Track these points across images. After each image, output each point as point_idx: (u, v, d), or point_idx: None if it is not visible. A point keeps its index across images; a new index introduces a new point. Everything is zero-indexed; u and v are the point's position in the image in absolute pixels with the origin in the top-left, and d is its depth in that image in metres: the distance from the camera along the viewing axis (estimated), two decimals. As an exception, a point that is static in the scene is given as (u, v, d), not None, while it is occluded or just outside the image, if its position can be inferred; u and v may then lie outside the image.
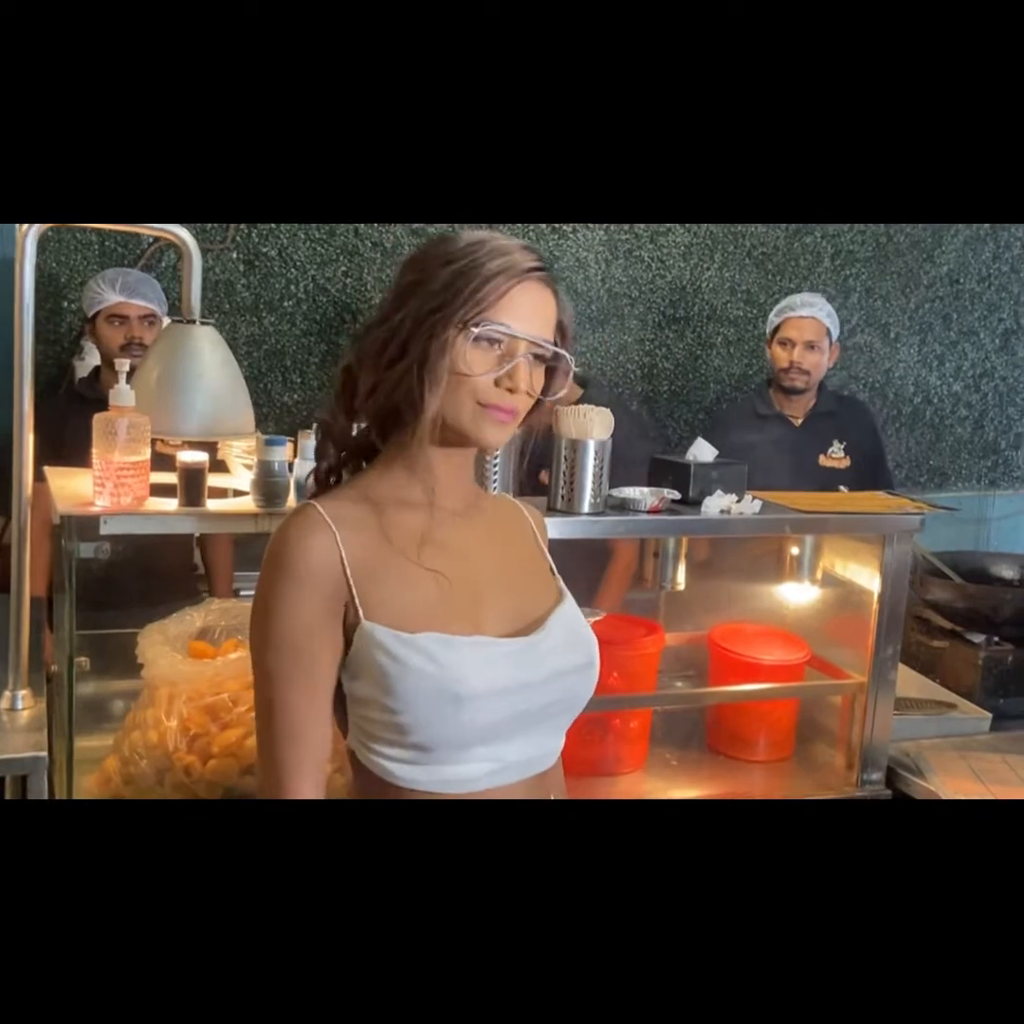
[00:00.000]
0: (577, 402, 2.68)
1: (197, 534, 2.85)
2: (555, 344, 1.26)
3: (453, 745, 1.22)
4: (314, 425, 1.43)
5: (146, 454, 1.86)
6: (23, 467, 1.94)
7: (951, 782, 2.30)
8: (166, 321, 2.95)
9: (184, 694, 1.96)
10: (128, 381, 1.86)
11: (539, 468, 2.32)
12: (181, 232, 2.00)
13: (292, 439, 1.99)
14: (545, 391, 1.29)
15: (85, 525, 1.79)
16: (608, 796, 2.30)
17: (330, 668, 1.22)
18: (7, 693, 2.02)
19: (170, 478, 1.94)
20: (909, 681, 2.66)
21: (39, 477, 2.04)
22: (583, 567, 2.48)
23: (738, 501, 2.20)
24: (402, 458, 1.28)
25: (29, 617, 2.02)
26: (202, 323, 1.98)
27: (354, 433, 1.33)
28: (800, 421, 3.33)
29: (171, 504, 1.90)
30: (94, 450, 1.84)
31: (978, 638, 2.75)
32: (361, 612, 1.21)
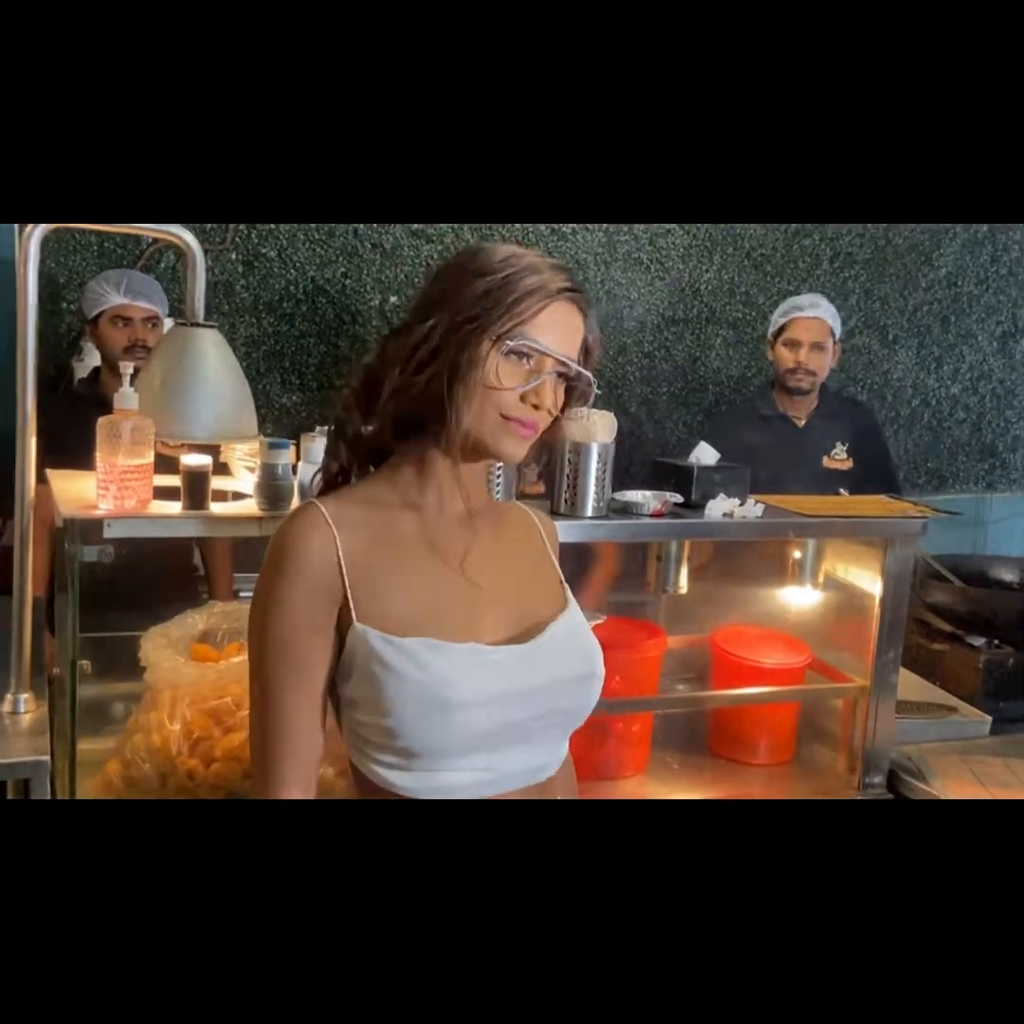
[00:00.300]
0: None
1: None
2: (580, 364, 1.27)
3: (442, 752, 1.22)
4: (327, 425, 1.43)
5: (150, 457, 1.85)
6: (26, 469, 1.93)
7: (953, 786, 2.30)
8: (167, 323, 2.94)
9: (187, 697, 1.96)
10: (132, 384, 1.86)
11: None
12: (184, 234, 1.99)
13: (295, 442, 1.99)
14: (562, 408, 1.30)
15: (89, 528, 1.79)
16: (609, 799, 2.30)
17: (322, 668, 1.23)
18: (9, 696, 2.02)
19: (170, 480, 1.94)
20: (909, 684, 2.66)
21: (40, 479, 2.04)
22: (579, 570, 2.49)
23: (741, 505, 2.20)
24: (414, 462, 1.30)
25: (31, 619, 2.01)
26: (206, 326, 1.97)
27: (365, 434, 1.34)
28: (803, 422, 3.33)
29: (174, 507, 1.89)
30: (98, 453, 1.83)
31: (978, 641, 2.76)
32: (354, 614, 1.21)
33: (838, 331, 3.32)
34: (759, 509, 2.20)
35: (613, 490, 2.15)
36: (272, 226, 3.45)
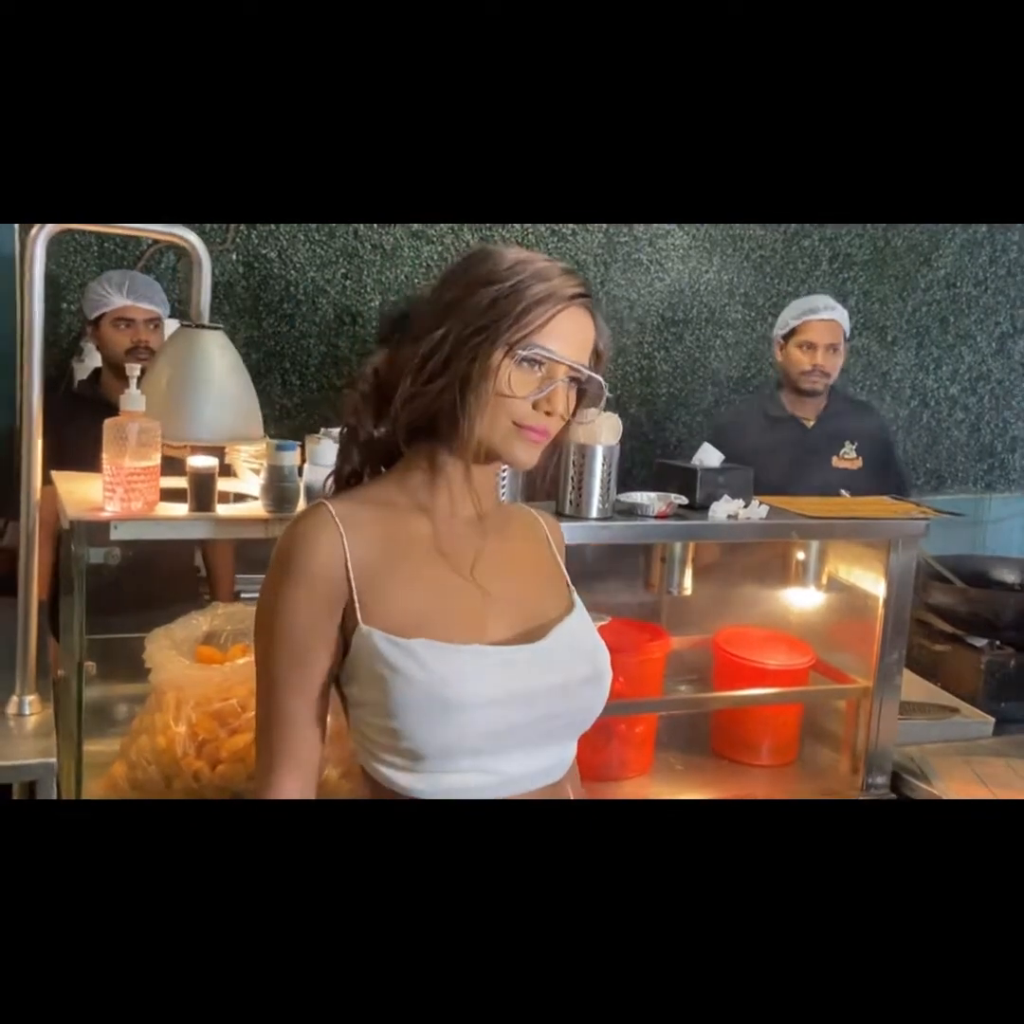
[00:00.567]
0: None
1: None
2: (591, 368, 1.28)
3: (447, 753, 1.22)
4: (338, 428, 1.43)
5: (156, 459, 1.85)
6: (31, 471, 1.93)
7: (956, 786, 2.30)
8: (169, 324, 2.94)
9: (192, 699, 1.96)
10: (137, 385, 1.86)
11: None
12: (189, 236, 1.99)
13: (300, 443, 1.99)
14: (573, 412, 1.30)
15: (95, 530, 1.78)
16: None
17: (324, 668, 1.23)
18: (14, 698, 2.01)
19: (173, 482, 1.94)
20: (911, 685, 2.67)
21: (43, 480, 2.03)
22: (583, 572, 2.49)
23: (745, 506, 2.20)
24: (425, 465, 1.30)
25: (36, 621, 2.01)
26: (211, 327, 1.97)
27: (376, 437, 1.34)
28: (812, 423, 3.32)
29: (181, 509, 1.89)
30: (104, 455, 1.83)
31: (980, 642, 2.76)
32: (360, 616, 1.22)
33: (848, 332, 3.33)
34: (763, 511, 2.21)
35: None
36: (272, 227, 3.45)
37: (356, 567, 1.22)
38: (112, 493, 1.83)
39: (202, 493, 1.87)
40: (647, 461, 3.69)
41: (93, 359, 3.10)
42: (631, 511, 2.16)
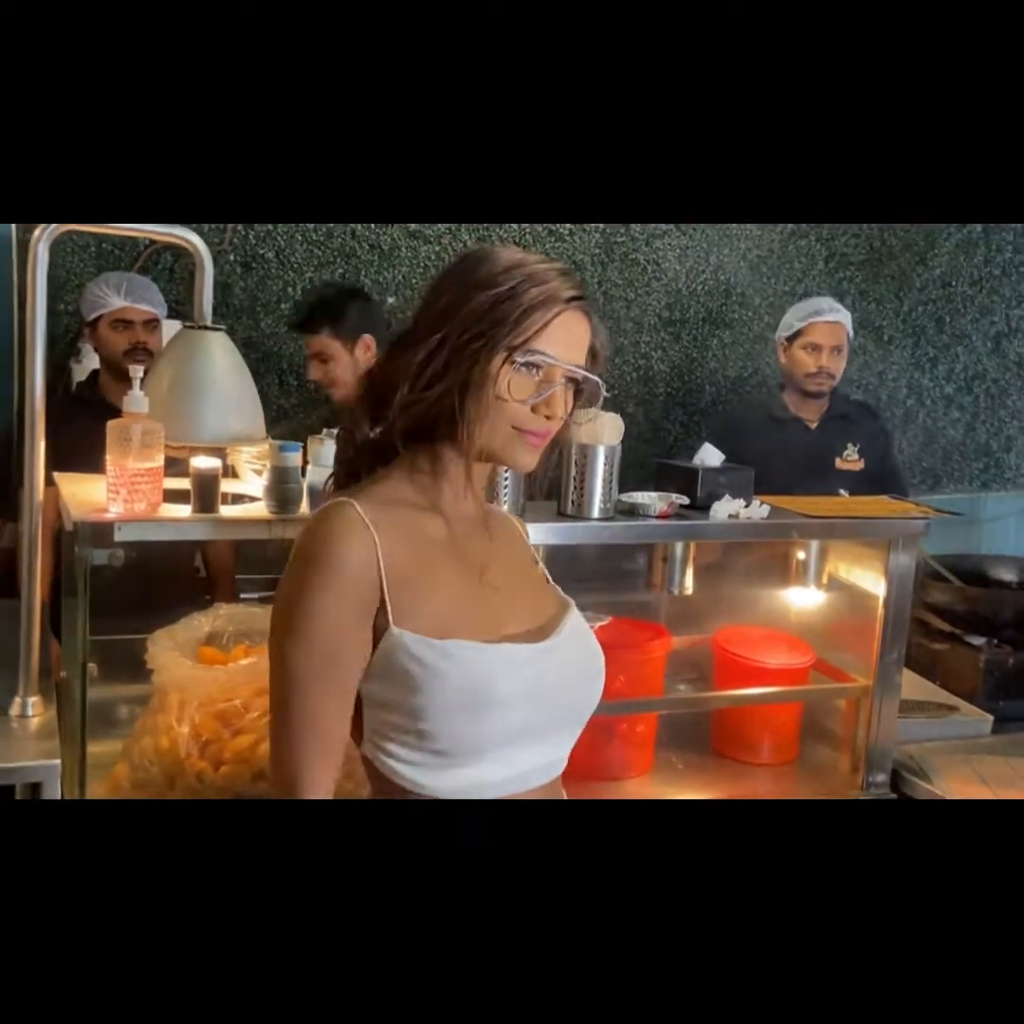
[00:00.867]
0: None
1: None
2: (587, 368, 1.28)
3: (470, 751, 1.23)
4: (336, 430, 1.43)
5: (160, 461, 1.85)
6: (34, 472, 1.93)
7: (956, 785, 2.31)
8: (166, 325, 2.94)
9: (195, 700, 1.95)
10: (140, 387, 1.86)
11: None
12: (192, 237, 1.99)
13: (303, 444, 1.99)
14: (570, 411, 1.31)
15: (99, 532, 1.78)
16: (614, 800, 2.31)
17: (357, 670, 1.22)
18: (17, 700, 2.01)
19: (174, 483, 1.94)
20: (910, 684, 2.67)
21: (45, 482, 2.03)
22: (583, 571, 2.50)
23: (746, 506, 2.21)
24: (427, 466, 1.30)
25: (39, 623, 2.01)
26: (213, 329, 1.97)
27: (373, 438, 1.34)
28: (816, 424, 3.34)
29: (184, 510, 1.89)
30: (108, 456, 1.83)
31: (978, 641, 2.77)
32: (391, 617, 1.21)
33: (852, 334, 3.35)
34: (764, 510, 2.21)
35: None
36: (270, 227, 3.45)
37: (387, 568, 1.21)
38: (115, 494, 1.83)
39: (205, 494, 1.87)
40: (643, 461, 3.69)
41: (91, 360, 3.10)
42: (632, 511, 2.16)
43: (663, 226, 3.85)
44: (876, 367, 4.22)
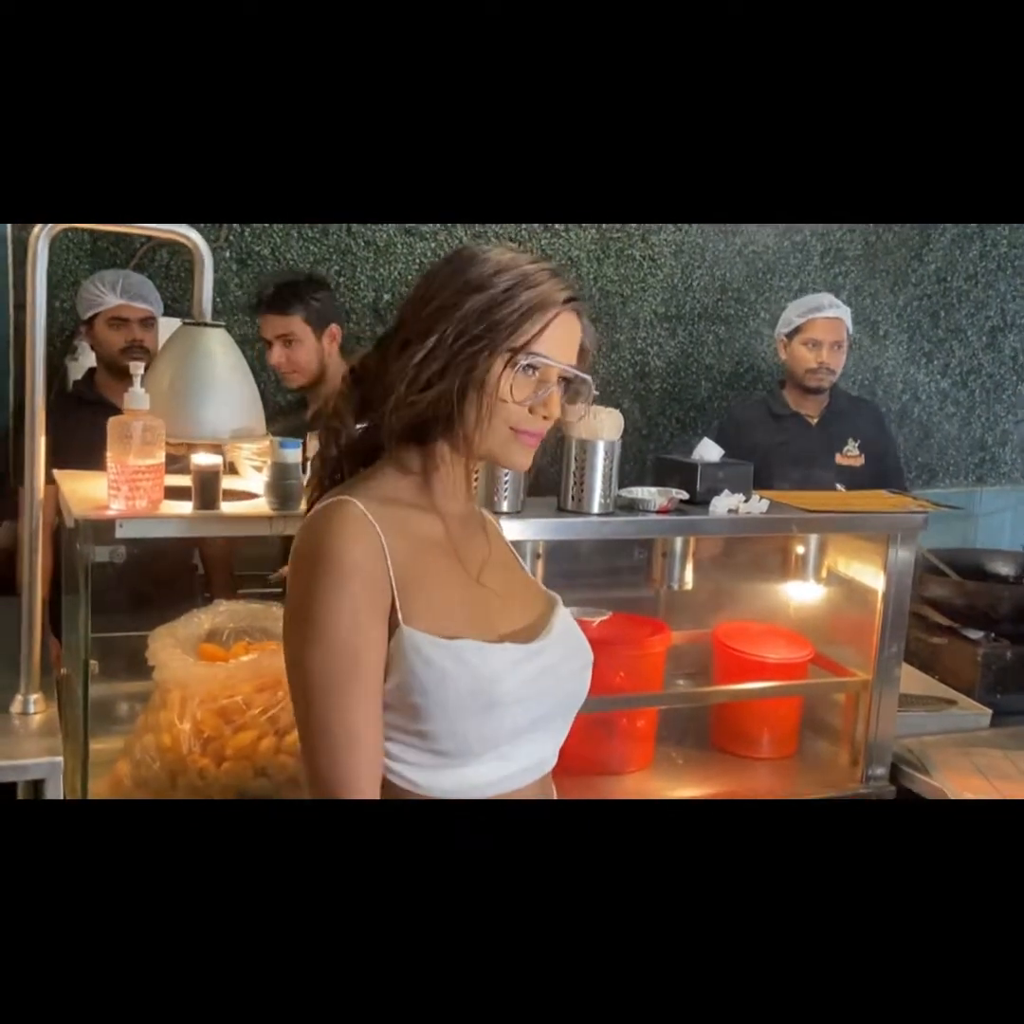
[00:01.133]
0: None
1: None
2: (577, 366, 1.29)
3: (473, 750, 1.23)
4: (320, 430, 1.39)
5: (161, 457, 1.85)
6: (35, 470, 1.93)
7: (956, 778, 2.32)
8: (163, 322, 2.94)
9: (197, 697, 1.96)
10: (141, 384, 1.86)
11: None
12: (192, 234, 1.99)
13: (302, 441, 1.99)
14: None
15: (101, 529, 1.78)
16: (615, 795, 2.31)
17: (380, 670, 1.19)
18: (18, 697, 2.01)
19: (173, 480, 1.94)
20: (908, 678, 2.67)
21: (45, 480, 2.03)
22: (582, 567, 2.50)
23: (745, 501, 2.21)
24: (414, 465, 1.30)
25: (40, 621, 2.01)
26: (213, 325, 1.97)
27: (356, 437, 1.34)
28: (816, 421, 3.35)
29: (185, 507, 1.89)
30: (109, 453, 1.83)
31: (976, 635, 2.77)
32: (401, 616, 1.20)
33: (851, 329, 3.35)
34: (764, 505, 2.22)
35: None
36: (266, 224, 3.44)
37: (395, 566, 1.20)
38: (117, 491, 1.82)
39: (207, 491, 1.88)
40: (639, 456, 3.70)
41: (87, 358, 3.09)
42: (632, 506, 2.17)
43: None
44: (871, 362, 4.23)
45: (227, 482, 2.02)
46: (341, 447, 1.32)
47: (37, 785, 1.85)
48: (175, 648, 1.98)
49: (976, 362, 4.41)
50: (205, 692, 1.96)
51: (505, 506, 2.03)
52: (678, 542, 2.29)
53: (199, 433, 1.90)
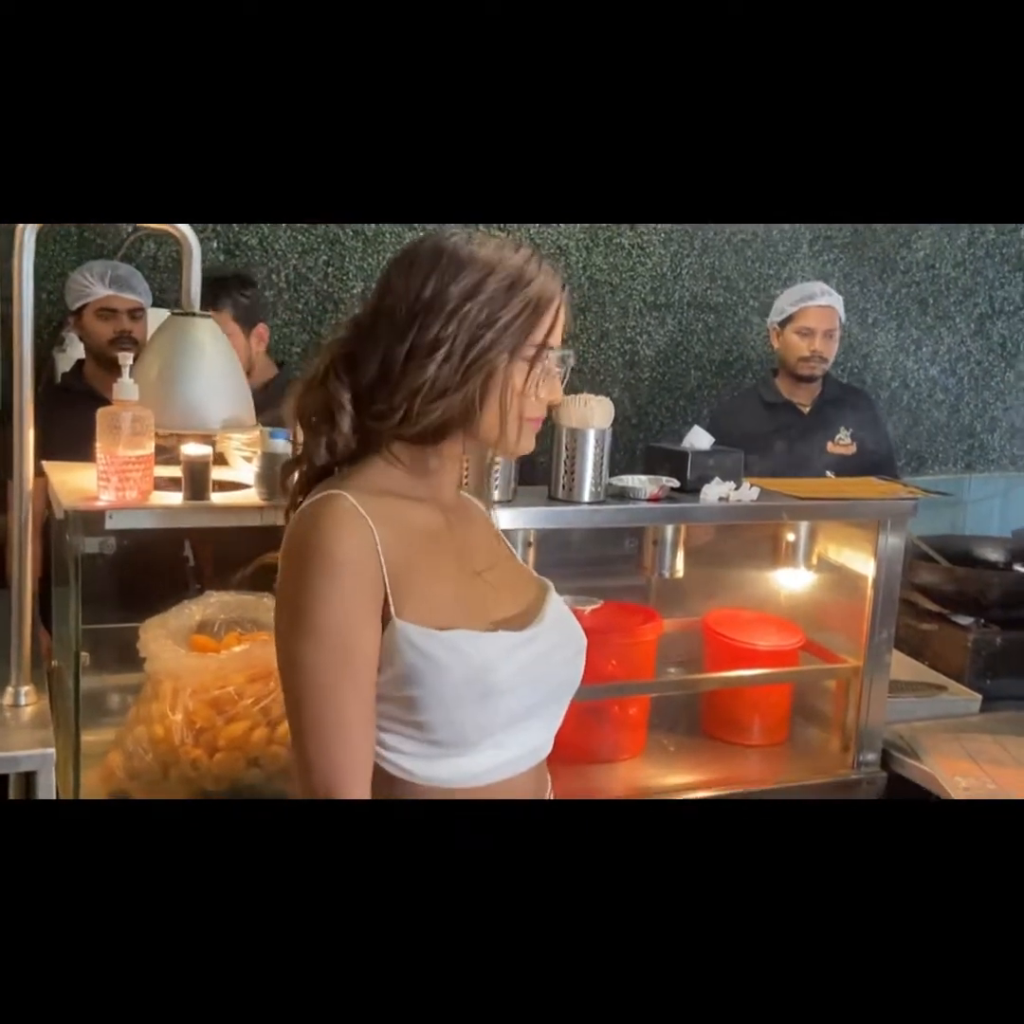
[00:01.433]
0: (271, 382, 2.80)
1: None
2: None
3: (469, 739, 1.23)
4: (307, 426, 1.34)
5: (150, 448, 1.85)
6: (24, 461, 1.92)
7: (945, 762, 2.33)
8: (151, 313, 2.93)
9: (189, 688, 1.96)
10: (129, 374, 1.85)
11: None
12: (180, 224, 1.98)
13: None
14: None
15: (90, 520, 1.78)
16: (607, 783, 2.32)
17: (373, 663, 1.20)
18: (9, 689, 2.01)
19: (163, 471, 1.94)
20: (899, 664, 2.68)
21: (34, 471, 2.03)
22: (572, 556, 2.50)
23: (736, 488, 2.21)
24: (404, 457, 1.29)
25: (30, 613, 2.01)
26: (202, 315, 1.97)
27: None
28: (808, 409, 3.35)
29: (175, 498, 1.89)
30: (98, 444, 1.83)
31: (966, 621, 2.78)
32: (393, 608, 1.20)
33: (844, 318, 3.36)
34: (754, 493, 2.22)
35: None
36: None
37: (386, 559, 1.20)
38: (106, 482, 1.82)
39: (197, 481, 1.87)
40: (629, 445, 3.70)
41: (75, 350, 3.08)
42: (623, 494, 2.17)
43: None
44: (860, 350, 4.23)
45: (216, 473, 2.02)
46: (334, 451, 1.28)
47: (29, 777, 1.85)
48: (166, 639, 1.98)
49: (964, 349, 4.41)
50: (197, 683, 1.96)
51: (496, 495, 2.02)
52: (669, 530, 2.29)
53: (188, 423, 1.89)
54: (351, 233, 3.54)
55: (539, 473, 2.18)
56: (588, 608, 2.19)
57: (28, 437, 1.92)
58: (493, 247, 1.24)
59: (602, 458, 2.11)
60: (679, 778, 2.37)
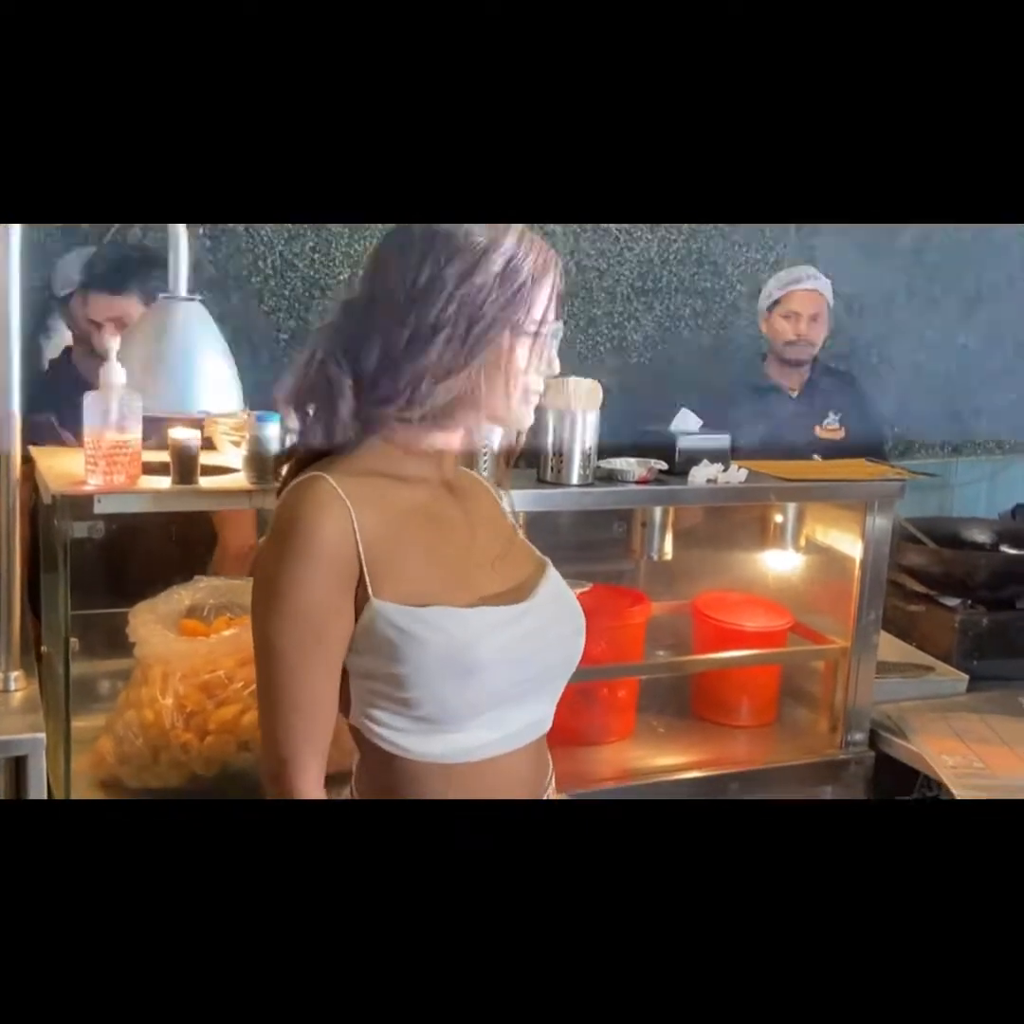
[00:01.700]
0: None
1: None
2: None
3: (460, 715, 1.25)
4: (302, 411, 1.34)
5: (138, 432, 1.85)
6: (10, 446, 1.92)
7: (933, 742, 2.34)
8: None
9: (179, 672, 1.96)
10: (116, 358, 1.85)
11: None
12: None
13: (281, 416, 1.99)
14: None
15: (78, 504, 1.78)
16: (597, 765, 2.33)
17: (342, 644, 1.23)
18: (-1, 674, 2.01)
19: (151, 456, 1.93)
20: (886, 645, 2.69)
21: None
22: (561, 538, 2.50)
23: (724, 470, 2.22)
24: (404, 437, 1.30)
25: (19, 598, 2.00)
26: (188, 299, 1.96)
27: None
28: (797, 393, 3.36)
29: (163, 482, 1.89)
30: (85, 428, 1.82)
31: (953, 602, 2.79)
32: (371, 589, 1.21)
33: (832, 302, 3.36)
34: (742, 475, 2.23)
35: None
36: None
37: (363, 540, 1.21)
38: (94, 466, 1.82)
39: (185, 466, 1.87)
40: (618, 429, 3.70)
41: (63, 337, 3.06)
42: (611, 477, 2.17)
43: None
44: (846, 334, 4.23)
45: (205, 457, 2.02)
46: (332, 436, 1.28)
47: (19, 762, 1.84)
48: (156, 624, 1.98)
49: (952, 333, 4.42)
50: (187, 667, 1.97)
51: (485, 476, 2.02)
52: (657, 512, 2.30)
53: (174, 407, 1.89)
54: (338, 219, 3.53)
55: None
56: (577, 591, 2.19)
57: (15, 423, 1.91)
58: (484, 226, 1.25)
59: (590, 441, 2.11)
60: (668, 759, 2.38)
